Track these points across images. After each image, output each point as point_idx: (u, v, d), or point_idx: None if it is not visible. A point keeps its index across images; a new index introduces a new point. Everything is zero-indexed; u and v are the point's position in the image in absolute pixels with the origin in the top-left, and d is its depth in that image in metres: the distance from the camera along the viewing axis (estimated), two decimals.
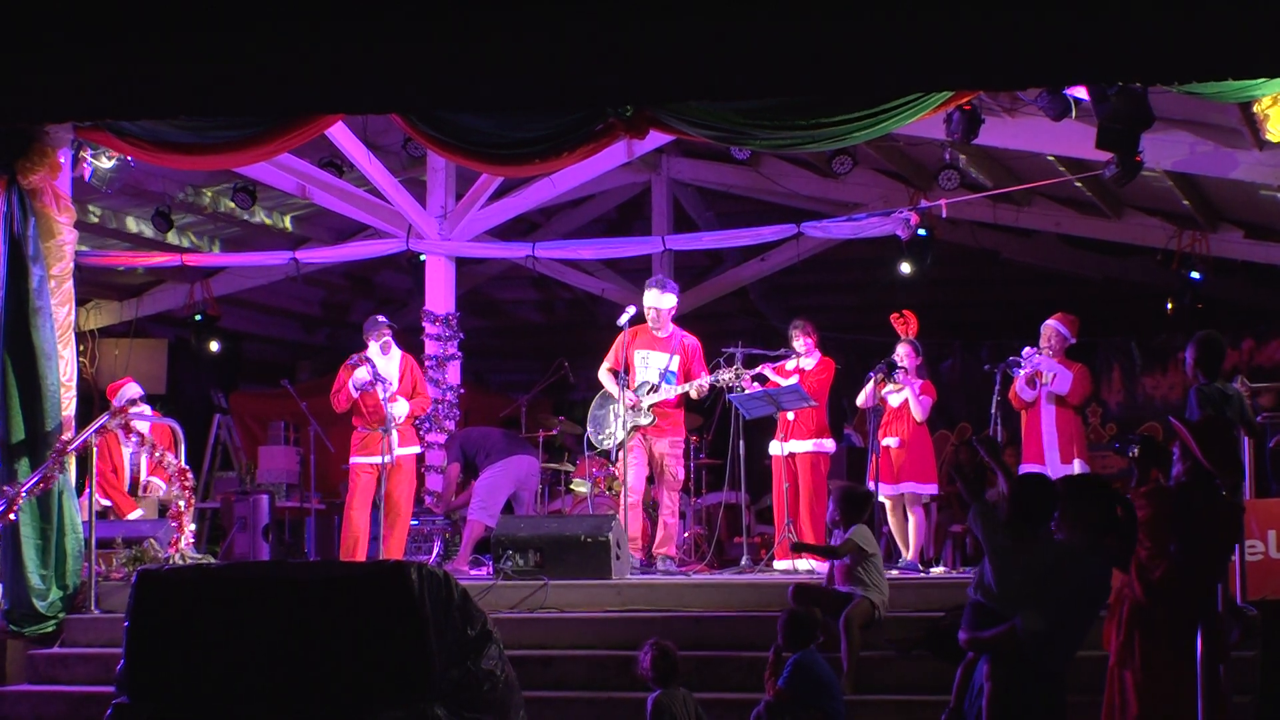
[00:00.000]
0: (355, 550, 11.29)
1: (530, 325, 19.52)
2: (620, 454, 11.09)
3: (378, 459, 11.17)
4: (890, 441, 11.11)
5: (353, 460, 11.45)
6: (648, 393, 11.01)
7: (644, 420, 11.01)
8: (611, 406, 11.21)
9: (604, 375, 11.35)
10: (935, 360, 15.37)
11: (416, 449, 11.90)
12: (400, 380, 11.40)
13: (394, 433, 11.18)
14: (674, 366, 11.12)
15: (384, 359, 11.41)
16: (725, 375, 10.98)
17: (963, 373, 16.26)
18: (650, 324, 11.24)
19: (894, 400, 11.19)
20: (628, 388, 11.06)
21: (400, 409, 11.26)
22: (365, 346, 11.48)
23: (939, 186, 12.58)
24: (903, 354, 11.18)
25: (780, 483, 11.34)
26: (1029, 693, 6.01)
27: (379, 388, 11.15)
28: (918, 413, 11.08)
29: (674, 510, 11.22)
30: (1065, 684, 6.29)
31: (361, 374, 11.19)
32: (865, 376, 11.28)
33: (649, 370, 11.13)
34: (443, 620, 6.75)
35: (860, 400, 11.38)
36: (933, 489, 11.28)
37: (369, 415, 11.29)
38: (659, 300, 11.21)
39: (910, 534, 11.08)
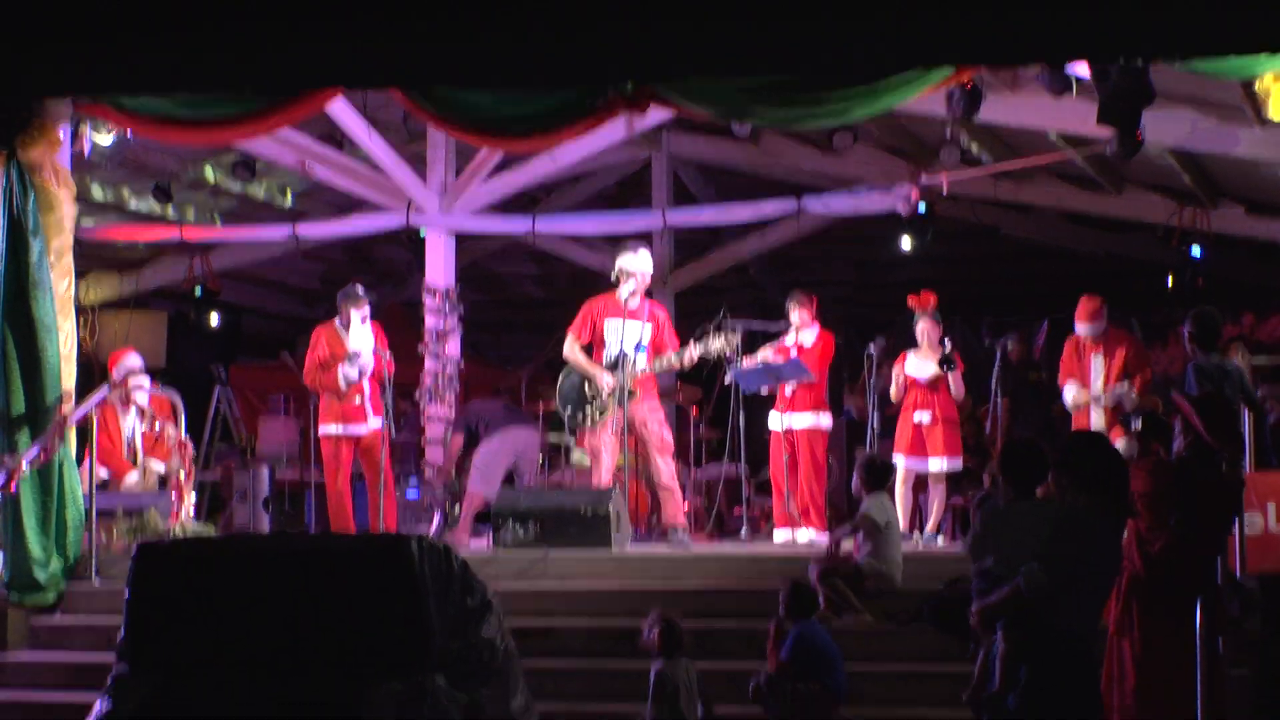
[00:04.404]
0: (348, 524, 11.27)
1: (530, 299, 19.50)
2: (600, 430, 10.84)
3: (357, 428, 11.24)
4: (923, 416, 11.07)
5: (334, 430, 11.33)
6: (630, 367, 10.69)
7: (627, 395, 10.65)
8: (585, 384, 10.88)
9: (573, 350, 10.98)
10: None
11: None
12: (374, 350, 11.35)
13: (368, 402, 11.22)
14: (646, 339, 10.82)
15: (361, 328, 11.35)
16: (715, 345, 10.60)
17: (963, 348, 16.22)
18: (636, 287, 10.88)
19: (923, 375, 11.17)
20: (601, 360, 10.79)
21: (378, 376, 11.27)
22: (340, 314, 11.41)
23: (940, 162, 12.57)
24: (926, 330, 11.18)
25: (780, 455, 11.34)
26: (1043, 653, 5.90)
27: (365, 380, 11.23)
28: (959, 392, 11.13)
29: (672, 474, 10.86)
30: (1094, 656, 6.19)
31: (352, 373, 11.20)
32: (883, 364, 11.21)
33: (621, 342, 10.79)
34: (443, 591, 6.74)
35: (893, 393, 11.23)
36: (959, 464, 11.25)
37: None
38: (644, 264, 10.94)
39: (934, 507, 11.08)
